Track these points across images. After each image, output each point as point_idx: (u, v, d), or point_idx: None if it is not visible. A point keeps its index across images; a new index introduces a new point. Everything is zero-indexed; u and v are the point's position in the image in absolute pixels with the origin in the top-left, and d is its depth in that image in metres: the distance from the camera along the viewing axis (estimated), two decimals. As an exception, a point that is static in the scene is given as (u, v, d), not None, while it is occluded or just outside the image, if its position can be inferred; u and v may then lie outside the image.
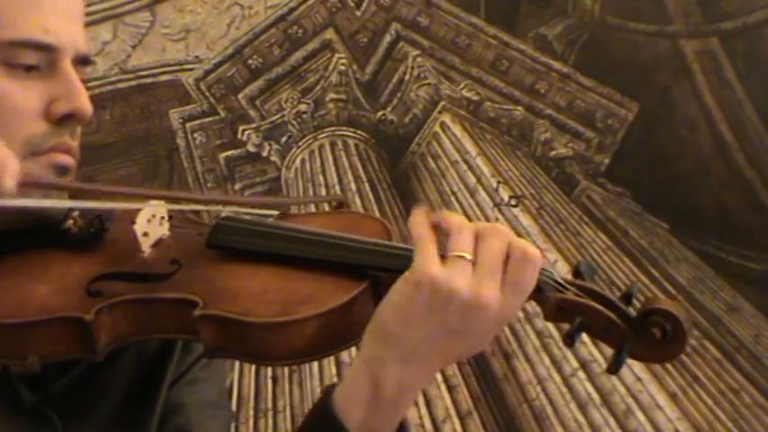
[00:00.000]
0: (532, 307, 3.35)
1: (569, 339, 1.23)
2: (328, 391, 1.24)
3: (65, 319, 1.22)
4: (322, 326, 1.21)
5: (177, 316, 1.23)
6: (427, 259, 1.18)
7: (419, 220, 1.22)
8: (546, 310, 1.24)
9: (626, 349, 1.20)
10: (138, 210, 1.32)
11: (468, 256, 1.18)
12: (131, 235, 1.31)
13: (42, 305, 1.24)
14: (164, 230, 1.34)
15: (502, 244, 1.19)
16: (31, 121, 1.29)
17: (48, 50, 1.29)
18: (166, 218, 1.35)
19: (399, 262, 1.24)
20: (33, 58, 1.28)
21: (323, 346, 1.22)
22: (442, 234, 1.23)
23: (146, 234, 1.31)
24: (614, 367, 1.21)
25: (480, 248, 1.19)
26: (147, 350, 1.45)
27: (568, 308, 1.23)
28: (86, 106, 1.31)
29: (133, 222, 1.31)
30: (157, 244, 1.32)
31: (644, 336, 1.20)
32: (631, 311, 1.22)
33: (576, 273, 1.26)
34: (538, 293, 1.23)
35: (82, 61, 1.35)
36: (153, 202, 1.34)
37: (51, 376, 1.34)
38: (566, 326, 1.24)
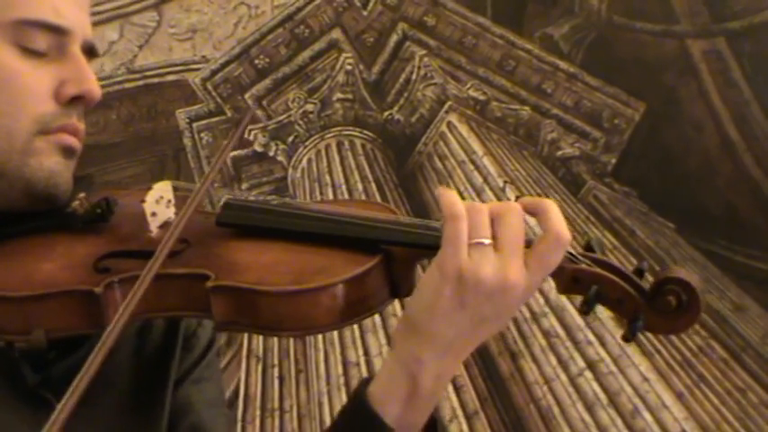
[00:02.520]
0: (539, 306, 3.33)
1: (586, 307, 1.24)
2: (361, 389, 1.24)
3: (74, 292, 1.22)
4: (335, 296, 1.21)
5: (187, 292, 1.23)
6: (455, 249, 1.19)
7: (451, 201, 1.21)
8: (560, 282, 1.25)
9: (641, 318, 1.22)
10: (147, 190, 1.34)
11: (488, 241, 1.19)
12: (138, 216, 1.32)
13: (49, 280, 1.24)
14: (170, 213, 1.34)
15: (519, 220, 1.21)
16: (41, 101, 1.30)
17: (58, 33, 1.31)
18: (173, 201, 1.35)
19: (411, 237, 1.26)
20: (44, 41, 1.31)
21: (335, 317, 1.22)
22: None
23: (153, 214, 1.32)
24: (630, 334, 1.23)
25: (499, 229, 1.20)
26: (147, 346, 1.44)
27: (584, 278, 1.24)
28: (95, 89, 1.33)
29: (142, 201, 1.32)
30: (164, 226, 1.32)
31: (658, 305, 1.22)
32: (645, 283, 1.24)
33: (588, 247, 1.28)
34: None
35: (89, 51, 1.37)
36: (160, 184, 1.35)
37: (52, 358, 1.33)
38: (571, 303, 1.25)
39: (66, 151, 1.33)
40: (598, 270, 1.24)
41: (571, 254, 1.25)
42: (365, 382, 1.25)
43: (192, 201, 1.27)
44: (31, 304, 1.22)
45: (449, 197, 1.21)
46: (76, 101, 1.33)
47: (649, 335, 3.15)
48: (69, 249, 1.30)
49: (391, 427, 1.21)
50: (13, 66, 1.29)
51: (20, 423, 1.28)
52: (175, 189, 1.37)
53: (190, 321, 1.48)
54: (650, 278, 1.24)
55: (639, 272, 1.25)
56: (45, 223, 1.33)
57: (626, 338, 1.24)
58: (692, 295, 1.21)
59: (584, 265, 1.24)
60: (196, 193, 1.28)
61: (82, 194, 1.35)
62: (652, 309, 1.22)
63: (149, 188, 1.34)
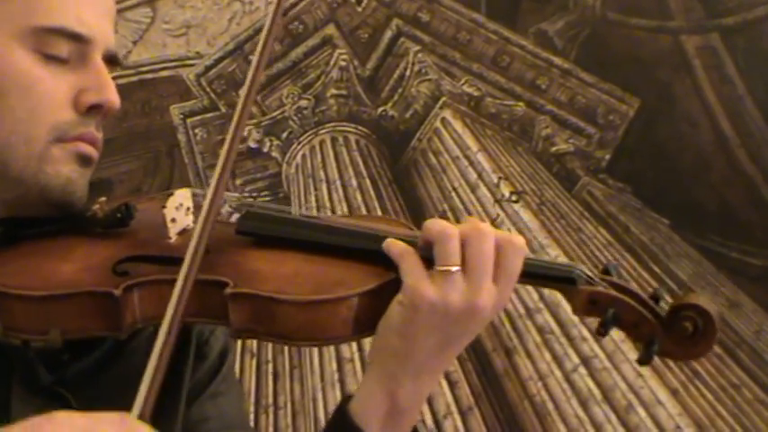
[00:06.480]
0: (533, 302, 3.33)
1: (603, 329, 1.25)
2: (343, 406, 1.26)
3: (93, 293, 1.22)
4: (353, 308, 1.22)
5: (204, 298, 1.23)
6: (417, 280, 1.21)
7: (388, 245, 1.25)
8: (577, 303, 1.26)
9: (656, 342, 1.23)
10: (169, 196, 1.34)
11: (456, 269, 1.20)
12: (158, 222, 1.32)
13: (68, 281, 1.24)
14: (189, 221, 1.35)
15: (490, 245, 1.22)
16: (60, 109, 1.30)
17: (80, 41, 1.31)
18: (192, 209, 1.36)
19: (429, 254, 1.25)
20: (65, 49, 1.30)
21: (351, 329, 1.23)
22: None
23: (173, 220, 1.33)
24: (646, 357, 1.24)
25: (469, 254, 1.21)
26: None
27: (600, 300, 1.25)
28: (115, 98, 1.33)
29: (163, 207, 1.32)
30: (183, 232, 1.33)
31: (674, 331, 1.23)
32: (661, 309, 1.25)
33: (605, 271, 1.29)
34: (570, 286, 1.26)
35: (111, 60, 1.36)
36: (181, 191, 1.36)
37: (66, 360, 1.33)
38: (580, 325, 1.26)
39: (83, 159, 1.33)
40: (615, 293, 1.26)
41: (589, 276, 1.26)
42: (346, 400, 1.27)
43: (212, 205, 1.26)
44: (50, 304, 1.22)
45: (386, 245, 1.24)
46: (95, 110, 1.32)
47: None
48: (89, 252, 1.30)
49: None
50: (32, 72, 1.29)
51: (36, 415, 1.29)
52: (194, 196, 1.38)
53: (202, 329, 1.48)
54: (665, 305, 1.25)
55: (655, 297, 1.26)
56: (64, 226, 1.33)
57: (642, 362, 1.25)
58: (709, 323, 1.22)
59: (600, 288, 1.26)
60: (214, 197, 1.28)
61: (102, 198, 1.35)
62: (668, 334, 1.24)
63: (171, 194, 1.35)
